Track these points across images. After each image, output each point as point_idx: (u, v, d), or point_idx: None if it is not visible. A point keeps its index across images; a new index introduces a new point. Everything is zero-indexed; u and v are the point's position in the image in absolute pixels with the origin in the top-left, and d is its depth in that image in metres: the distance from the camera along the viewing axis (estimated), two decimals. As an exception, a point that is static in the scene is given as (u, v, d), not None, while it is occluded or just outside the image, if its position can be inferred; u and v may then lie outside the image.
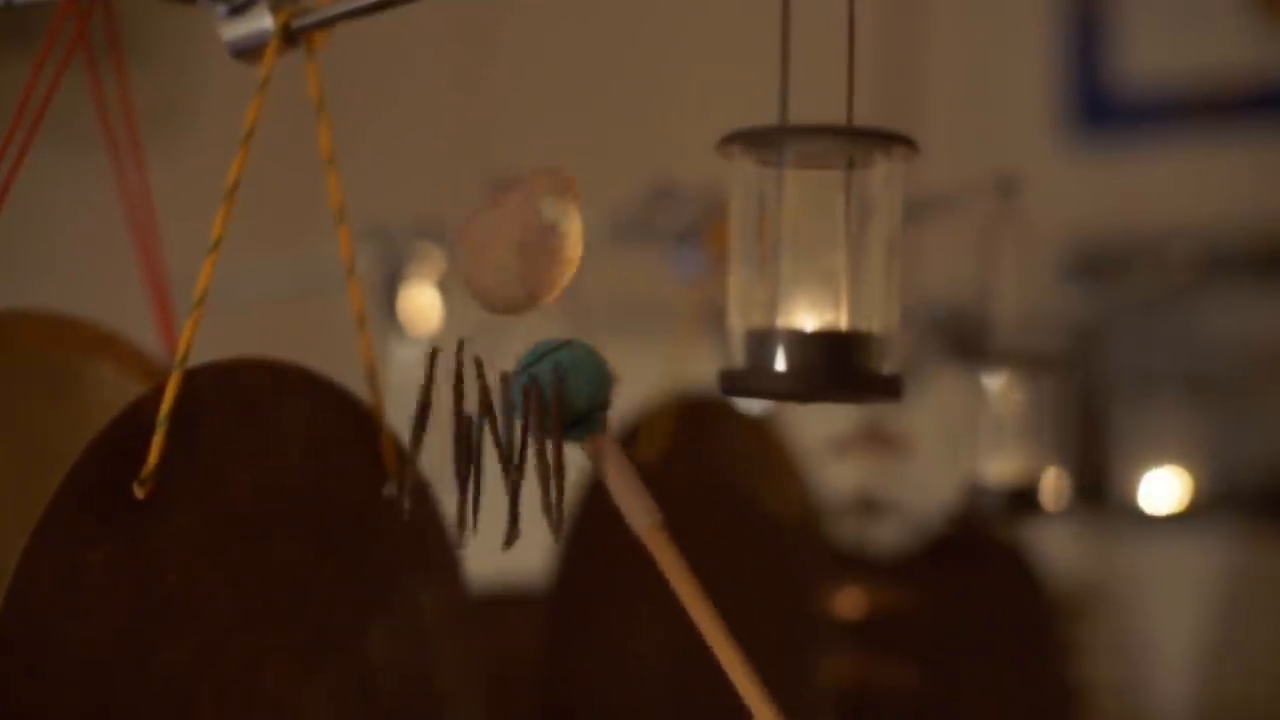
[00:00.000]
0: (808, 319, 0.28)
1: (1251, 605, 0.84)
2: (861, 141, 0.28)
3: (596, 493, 0.42)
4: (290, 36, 0.33)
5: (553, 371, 0.26)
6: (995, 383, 0.58)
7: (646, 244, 0.56)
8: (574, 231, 0.26)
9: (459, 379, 0.27)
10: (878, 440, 0.63)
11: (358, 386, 0.35)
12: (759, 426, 0.56)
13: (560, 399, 0.26)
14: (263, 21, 0.33)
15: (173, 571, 0.31)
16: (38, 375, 0.34)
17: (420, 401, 0.27)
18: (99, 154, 0.36)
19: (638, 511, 0.27)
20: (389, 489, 0.35)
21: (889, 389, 0.28)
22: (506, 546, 0.27)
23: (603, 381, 0.27)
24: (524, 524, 0.27)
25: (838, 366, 0.28)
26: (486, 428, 0.27)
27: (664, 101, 0.97)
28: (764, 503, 0.54)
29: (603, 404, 0.27)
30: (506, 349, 0.28)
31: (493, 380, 0.27)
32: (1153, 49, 0.89)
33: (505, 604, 0.47)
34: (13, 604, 0.28)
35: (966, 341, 0.64)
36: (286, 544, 0.33)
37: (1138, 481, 0.77)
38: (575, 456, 0.27)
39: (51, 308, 0.35)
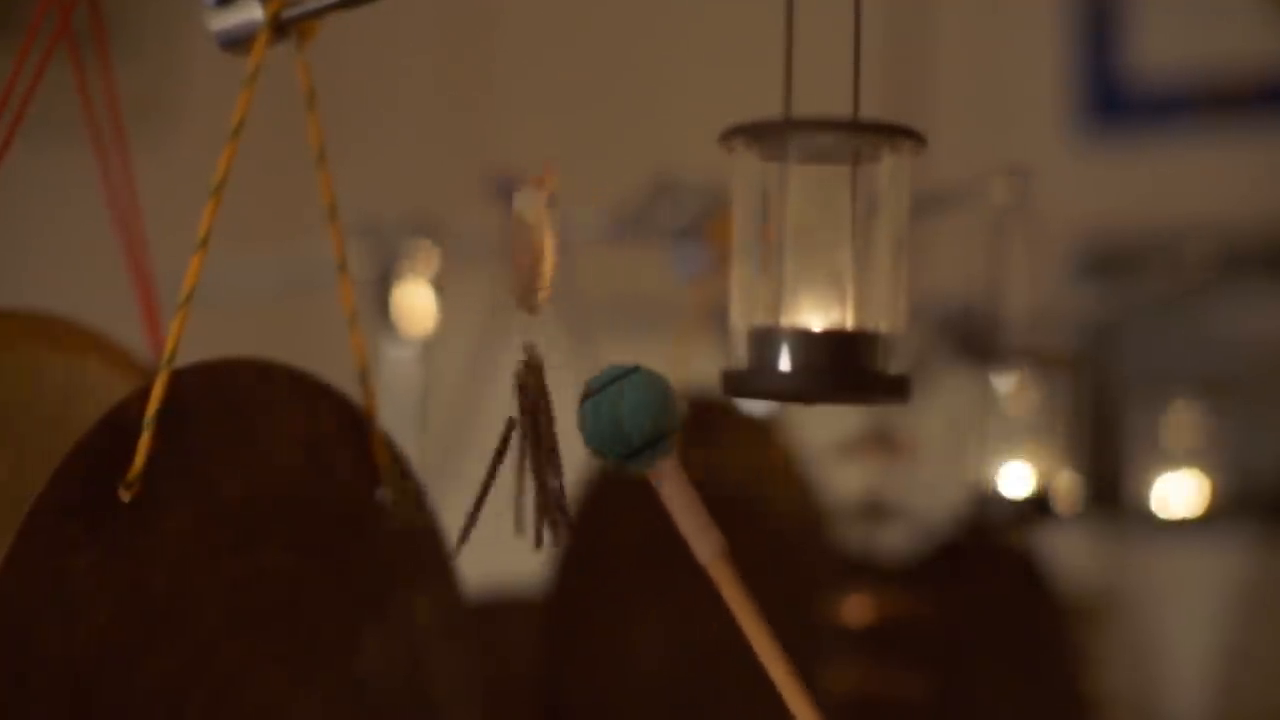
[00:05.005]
0: (812, 318, 0.27)
1: (1269, 611, 0.82)
2: (867, 135, 0.28)
3: (594, 497, 0.42)
4: (280, 27, 0.32)
5: (607, 401, 0.26)
6: (1005, 384, 0.57)
7: (647, 241, 0.55)
8: (541, 224, 0.26)
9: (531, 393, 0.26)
10: (884, 443, 0.62)
11: (350, 387, 0.34)
12: (762, 428, 0.55)
13: (597, 424, 0.26)
14: (252, 12, 0.32)
15: (160, 577, 0.30)
16: (21, 375, 0.34)
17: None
18: (83, 148, 0.35)
19: (702, 541, 0.27)
20: (381, 492, 0.35)
21: (896, 390, 0.28)
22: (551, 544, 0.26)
23: (667, 409, 0.27)
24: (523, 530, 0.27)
25: (843, 367, 0.27)
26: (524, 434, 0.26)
27: (665, 94, 0.97)
28: (768, 507, 0.54)
29: (667, 431, 0.26)
30: (505, 350, 0.28)
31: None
32: (1166, 42, 0.88)
33: (501, 609, 0.46)
34: (-5, 610, 0.27)
35: (976, 341, 0.63)
36: (277, 548, 0.33)
37: (1152, 485, 0.75)
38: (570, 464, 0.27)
39: (35, 306, 0.35)
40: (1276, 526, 0.82)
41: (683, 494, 0.27)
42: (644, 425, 0.26)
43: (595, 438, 0.26)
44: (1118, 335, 0.86)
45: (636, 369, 0.26)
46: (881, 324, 0.27)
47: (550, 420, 0.26)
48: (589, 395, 0.26)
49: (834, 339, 0.27)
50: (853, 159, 0.28)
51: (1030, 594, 0.68)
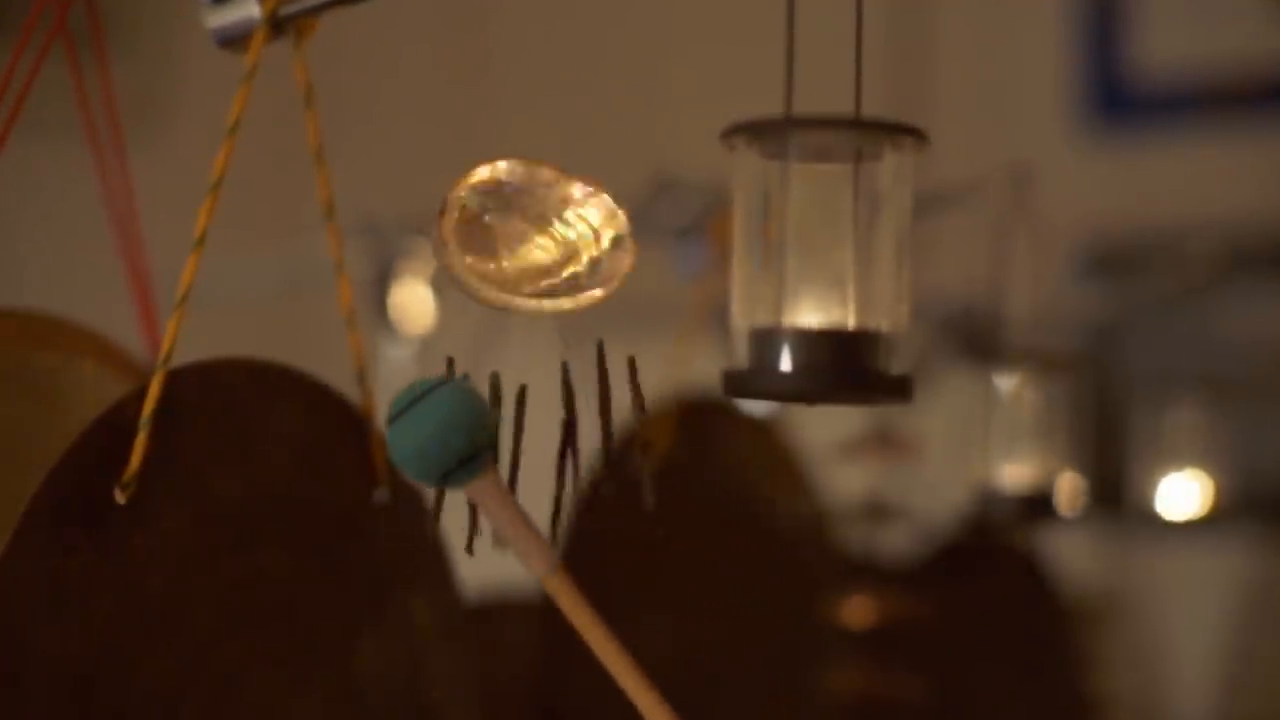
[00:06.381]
0: (814, 317, 0.27)
1: (1272, 612, 0.82)
2: (869, 133, 0.27)
3: (592, 497, 0.41)
4: (277, 25, 0.32)
5: (415, 420, 0.25)
6: (1008, 384, 0.57)
7: (647, 239, 0.54)
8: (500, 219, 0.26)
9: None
10: (886, 443, 0.62)
11: (347, 387, 0.34)
12: (764, 429, 0.55)
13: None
14: (249, 9, 0.32)
15: (157, 577, 0.30)
16: (15, 376, 0.34)
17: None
18: (80, 147, 0.35)
19: (533, 556, 0.26)
20: (379, 494, 0.34)
21: (898, 390, 0.28)
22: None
23: (479, 423, 0.25)
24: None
25: (845, 367, 0.27)
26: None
27: (665, 92, 0.96)
28: (769, 508, 0.53)
29: (482, 447, 0.25)
30: (502, 348, 0.27)
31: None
32: (1170, 39, 0.87)
33: (499, 610, 0.46)
34: (-10, 612, 0.27)
35: (978, 341, 0.63)
36: (273, 550, 0.32)
37: (1155, 486, 0.75)
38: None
39: (30, 306, 0.34)
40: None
41: (505, 509, 0.26)
42: (457, 443, 0.25)
43: (407, 459, 0.25)
44: (1121, 335, 0.86)
45: (441, 383, 0.25)
46: (883, 323, 0.27)
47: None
48: (396, 416, 0.25)
49: (835, 339, 0.27)
50: (854, 157, 0.27)
51: (1033, 595, 0.68)
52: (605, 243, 0.27)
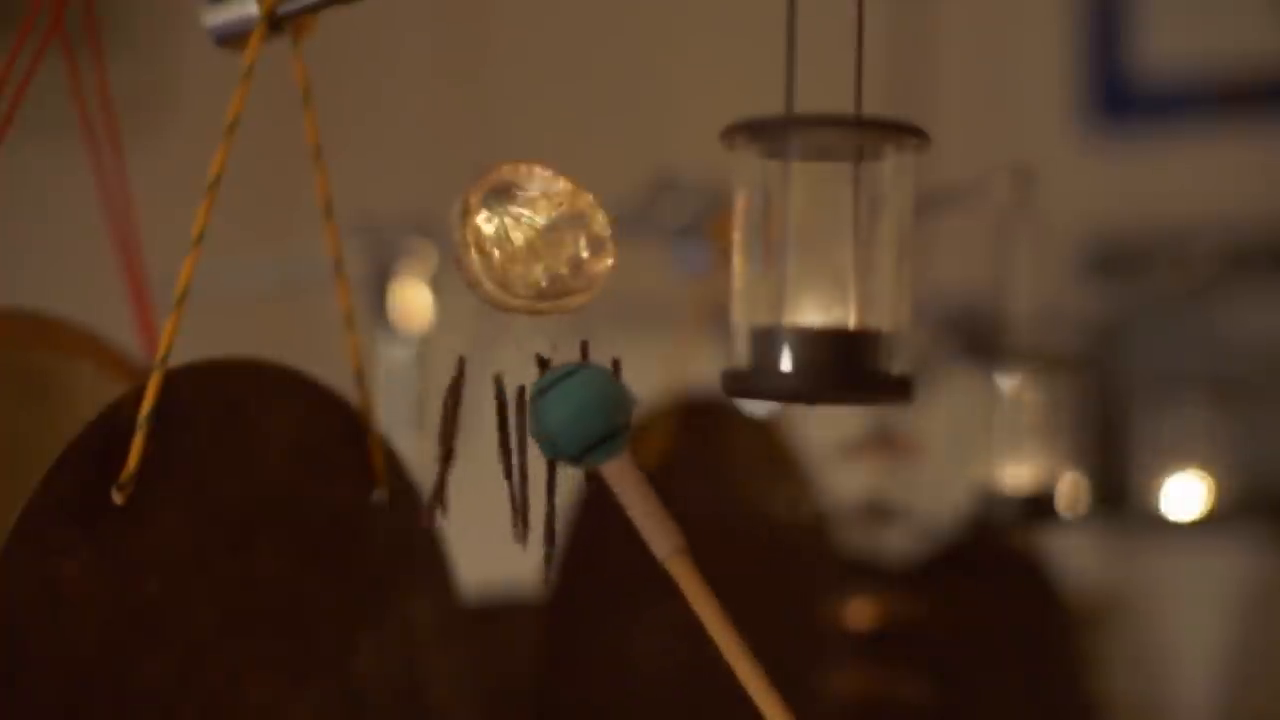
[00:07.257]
0: (814, 317, 0.27)
1: (1275, 614, 0.82)
2: (871, 132, 0.27)
3: (593, 499, 0.41)
4: (275, 23, 0.32)
5: (557, 399, 0.26)
6: (1010, 384, 0.57)
7: (647, 238, 0.54)
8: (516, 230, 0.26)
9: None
10: (887, 444, 0.62)
11: (346, 387, 0.34)
12: (764, 429, 0.55)
13: (524, 426, 0.26)
14: (247, 7, 0.32)
15: (153, 580, 0.30)
16: (11, 376, 0.34)
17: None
18: (77, 146, 0.35)
19: (658, 537, 0.27)
20: (378, 494, 0.34)
21: (899, 390, 0.27)
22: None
23: (619, 405, 0.26)
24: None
25: (846, 366, 0.27)
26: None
27: (665, 90, 0.96)
28: (769, 509, 0.53)
29: (620, 428, 0.26)
30: (502, 348, 0.27)
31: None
32: (1175, 36, 0.87)
33: (499, 614, 0.46)
34: (-14, 614, 0.27)
35: (980, 341, 0.63)
36: (272, 551, 0.32)
37: (1159, 487, 0.75)
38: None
39: (25, 305, 0.34)
40: (1283, 528, 0.81)
41: (636, 490, 0.26)
42: (596, 423, 0.26)
43: (548, 437, 0.26)
44: (1124, 335, 0.86)
45: (584, 367, 0.26)
46: (884, 323, 0.27)
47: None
48: (539, 394, 0.26)
49: (836, 338, 0.27)
50: (856, 156, 0.27)
51: (1035, 596, 0.67)
52: (583, 245, 0.27)
